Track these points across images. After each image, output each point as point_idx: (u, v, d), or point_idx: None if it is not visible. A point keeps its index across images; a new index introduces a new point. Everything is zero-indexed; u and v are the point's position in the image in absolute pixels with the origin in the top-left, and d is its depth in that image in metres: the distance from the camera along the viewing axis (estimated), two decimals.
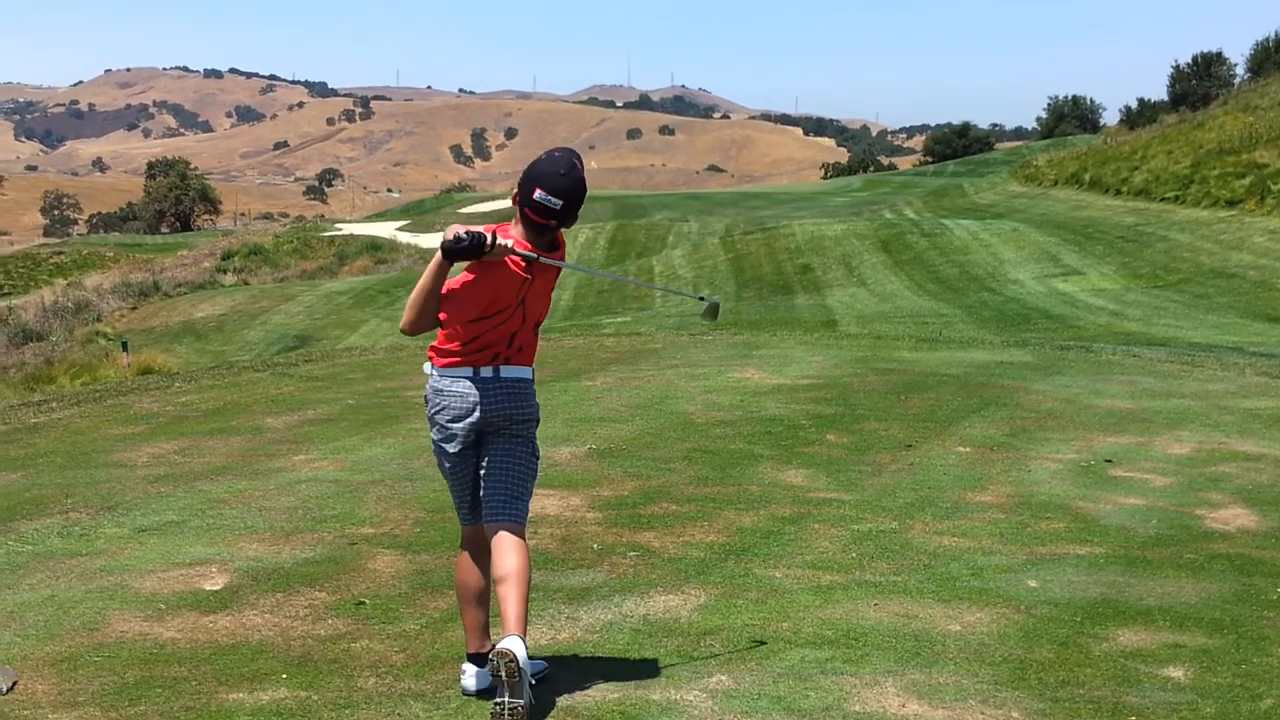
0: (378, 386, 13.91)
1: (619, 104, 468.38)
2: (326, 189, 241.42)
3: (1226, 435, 10.86)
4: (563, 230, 5.36)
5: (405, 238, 68.82)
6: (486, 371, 5.35)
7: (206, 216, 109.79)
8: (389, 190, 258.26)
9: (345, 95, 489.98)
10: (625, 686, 5.52)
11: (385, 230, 74.61)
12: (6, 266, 79.12)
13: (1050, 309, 26.93)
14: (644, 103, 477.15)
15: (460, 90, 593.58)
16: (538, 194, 5.14)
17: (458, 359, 5.36)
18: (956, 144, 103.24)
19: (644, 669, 5.74)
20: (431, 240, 65.12)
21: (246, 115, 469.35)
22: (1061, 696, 5.42)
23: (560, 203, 5.13)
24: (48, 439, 11.38)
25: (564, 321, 30.93)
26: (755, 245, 39.93)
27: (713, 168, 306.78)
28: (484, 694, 5.43)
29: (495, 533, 5.37)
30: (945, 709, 5.29)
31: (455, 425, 5.39)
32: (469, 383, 5.35)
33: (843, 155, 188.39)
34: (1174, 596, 6.77)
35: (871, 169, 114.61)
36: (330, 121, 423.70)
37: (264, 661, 5.88)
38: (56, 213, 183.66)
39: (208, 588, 7.00)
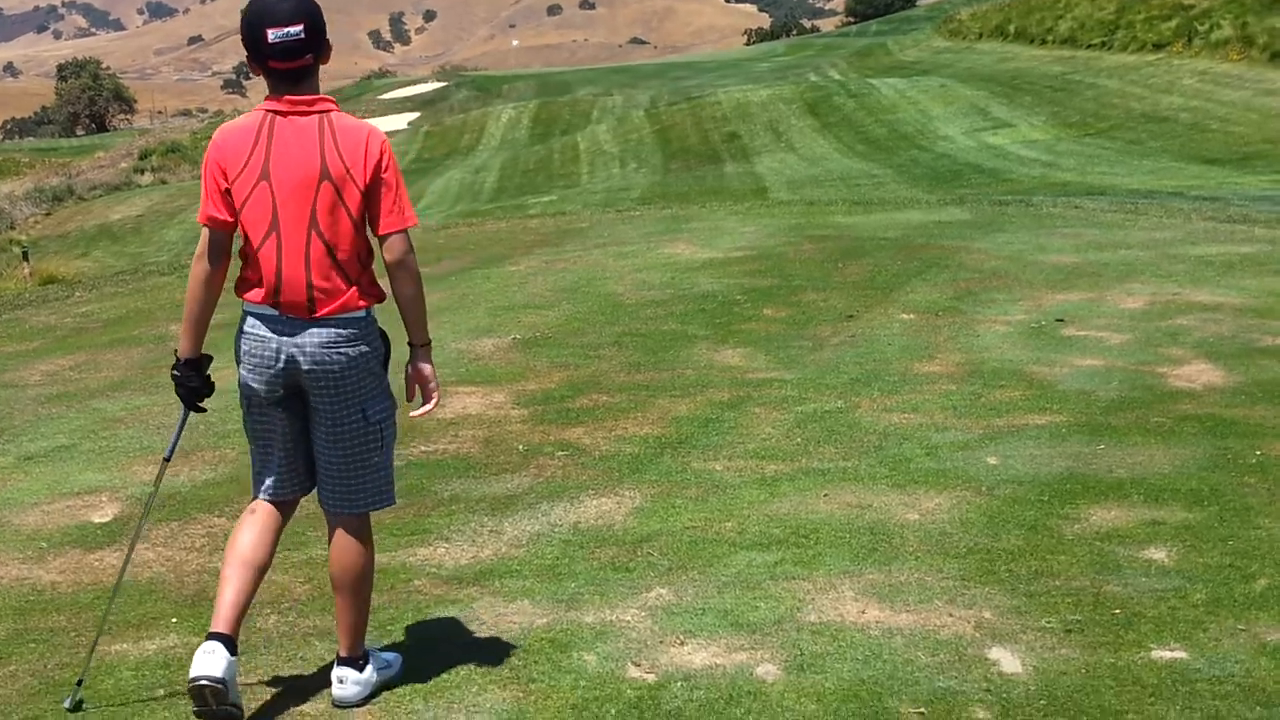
0: None
1: None
2: (245, 82, 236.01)
3: (1180, 285, 10.36)
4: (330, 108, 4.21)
5: None
6: (289, 316, 4.15)
7: (122, 116, 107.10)
8: None
9: None
10: (555, 608, 4.97)
11: None
12: None
13: (982, 163, 26.38)
14: None
15: None
16: (272, 35, 4.02)
17: (255, 291, 4.18)
18: (879, 3, 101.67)
19: (575, 587, 5.19)
20: None
21: (158, 11, 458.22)
22: (1036, 590, 4.91)
23: (300, 27, 4.03)
24: None
25: (489, 204, 30.07)
26: (681, 116, 39.05)
27: (636, 40, 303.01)
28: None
29: (332, 526, 4.39)
30: (909, 612, 4.77)
31: (255, 376, 4.24)
32: (271, 324, 4.18)
33: (765, 21, 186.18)
34: (1145, 466, 6.28)
35: (795, 33, 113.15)
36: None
37: (153, 604, 5.28)
38: None
39: (96, 520, 6.37)
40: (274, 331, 4.17)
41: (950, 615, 4.72)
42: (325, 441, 4.29)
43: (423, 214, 30.39)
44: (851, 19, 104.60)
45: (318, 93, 4.17)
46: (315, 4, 4.15)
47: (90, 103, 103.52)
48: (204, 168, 4.19)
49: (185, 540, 6.03)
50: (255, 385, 4.24)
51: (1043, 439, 6.78)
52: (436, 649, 4.67)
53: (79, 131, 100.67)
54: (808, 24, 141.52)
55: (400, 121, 59.90)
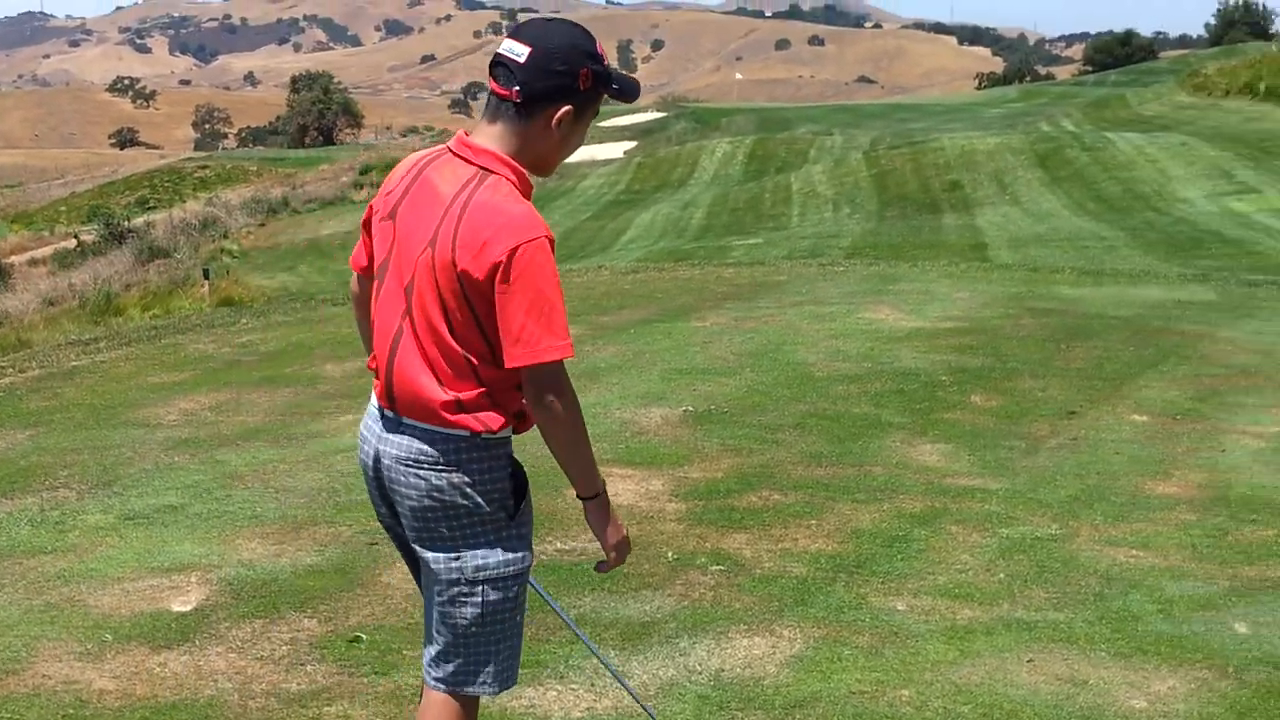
0: None
1: (768, 14, 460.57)
2: (472, 102, 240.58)
3: None
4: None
5: None
6: (383, 407, 3.31)
7: (349, 131, 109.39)
8: None
9: (493, 8, 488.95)
10: None
11: None
12: (153, 181, 79.36)
13: (1224, 231, 24.47)
14: (794, 12, 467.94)
15: (607, 1, 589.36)
16: (501, 46, 3.18)
17: (371, 367, 3.40)
18: (1119, 53, 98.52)
19: None
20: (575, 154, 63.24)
21: (395, 29, 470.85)
22: None
23: (526, 50, 3.10)
24: (78, 388, 10.03)
25: (693, 242, 29.10)
26: (901, 160, 37.59)
27: (863, 79, 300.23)
28: None
29: (424, 697, 3.42)
30: None
31: (366, 485, 3.45)
32: (374, 416, 3.37)
33: (998, 65, 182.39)
34: None
35: (1028, 79, 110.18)
36: (477, 34, 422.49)
37: None
38: (207, 126, 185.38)
39: (175, 608, 5.54)
40: (371, 429, 3.34)
41: None
42: (425, 583, 3.35)
43: (624, 249, 29.62)
44: (1089, 68, 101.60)
45: (507, 152, 3.15)
46: (570, 46, 3.13)
47: (319, 116, 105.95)
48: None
49: (264, 647, 5.14)
50: (370, 498, 3.46)
51: None
52: None
53: (307, 143, 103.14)
54: (1043, 70, 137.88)
55: (616, 150, 59.59)
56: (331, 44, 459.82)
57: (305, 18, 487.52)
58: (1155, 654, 4.99)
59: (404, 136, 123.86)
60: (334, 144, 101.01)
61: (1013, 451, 7.74)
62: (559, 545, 6.23)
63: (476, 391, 3.13)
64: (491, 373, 3.13)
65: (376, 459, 3.28)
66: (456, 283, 3.07)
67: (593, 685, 4.77)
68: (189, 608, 5.53)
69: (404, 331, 3.17)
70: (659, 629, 5.26)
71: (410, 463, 3.18)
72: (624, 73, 3.27)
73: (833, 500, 6.85)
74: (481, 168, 3.12)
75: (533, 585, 3.47)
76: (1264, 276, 15.61)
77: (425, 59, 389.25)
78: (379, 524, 3.51)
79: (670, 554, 6.11)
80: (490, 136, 3.15)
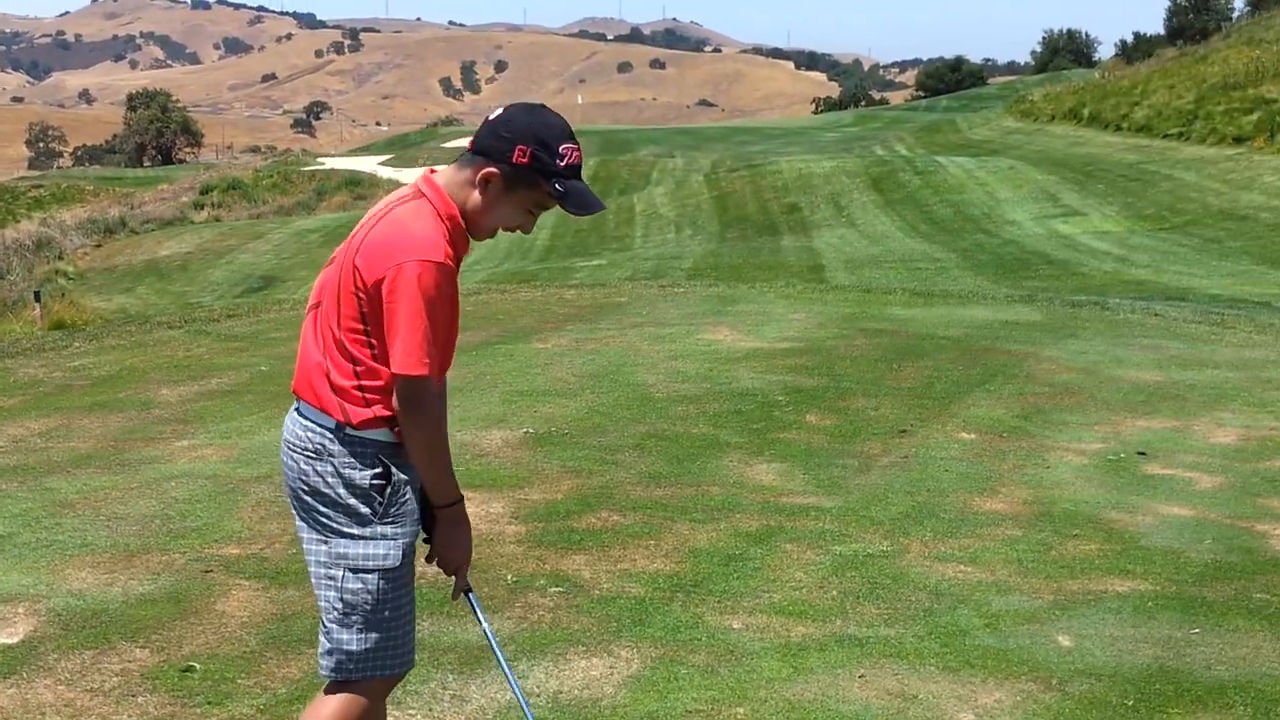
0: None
1: (610, 37, 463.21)
2: (314, 122, 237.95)
3: (1278, 418, 9.23)
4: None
5: (387, 173, 66.69)
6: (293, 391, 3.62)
7: (189, 150, 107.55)
8: (377, 124, 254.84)
9: (334, 27, 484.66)
10: None
11: (367, 165, 72.51)
12: None
13: (1051, 253, 25.26)
14: (635, 36, 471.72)
15: (450, 22, 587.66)
16: None
17: None
18: (949, 78, 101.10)
19: None
20: (414, 175, 63.13)
21: (234, 47, 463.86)
22: None
23: (498, 112, 3.51)
24: None
25: (537, 264, 29.19)
26: (741, 183, 38.12)
27: (704, 102, 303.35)
28: None
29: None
30: None
31: None
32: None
33: (834, 90, 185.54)
34: (1251, 663, 5.18)
35: (863, 104, 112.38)
36: (319, 54, 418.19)
37: None
38: (41, 145, 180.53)
39: (1, 640, 5.41)
40: (290, 415, 3.62)
41: None
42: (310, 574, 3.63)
43: (469, 270, 29.54)
44: (921, 93, 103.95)
45: (448, 188, 3.45)
46: (527, 124, 3.41)
47: (158, 134, 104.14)
48: None
49: (94, 678, 5.04)
50: None
51: (1125, 614, 5.69)
52: None
53: (145, 162, 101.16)
54: (877, 95, 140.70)
55: None
56: (169, 61, 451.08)
57: (142, 34, 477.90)
58: (982, 667, 5.13)
59: (245, 154, 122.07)
60: (173, 163, 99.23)
61: (846, 470, 7.89)
62: None
63: (351, 382, 3.40)
64: (368, 369, 3.39)
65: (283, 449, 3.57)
66: (352, 282, 3.36)
67: (430, 710, 4.77)
68: (16, 640, 5.41)
69: (312, 318, 3.50)
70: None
71: (289, 445, 3.50)
72: (589, 189, 3.48)
73: (671, 520, 6.93)
74: (418, 191, 3.43)
75: (470, 601, 3.72)
76: (1086, 297, 16.13)
77: (266, 78, 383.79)
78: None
79: (510, 576, 6.12)
80: (444, 173, 3.48)
